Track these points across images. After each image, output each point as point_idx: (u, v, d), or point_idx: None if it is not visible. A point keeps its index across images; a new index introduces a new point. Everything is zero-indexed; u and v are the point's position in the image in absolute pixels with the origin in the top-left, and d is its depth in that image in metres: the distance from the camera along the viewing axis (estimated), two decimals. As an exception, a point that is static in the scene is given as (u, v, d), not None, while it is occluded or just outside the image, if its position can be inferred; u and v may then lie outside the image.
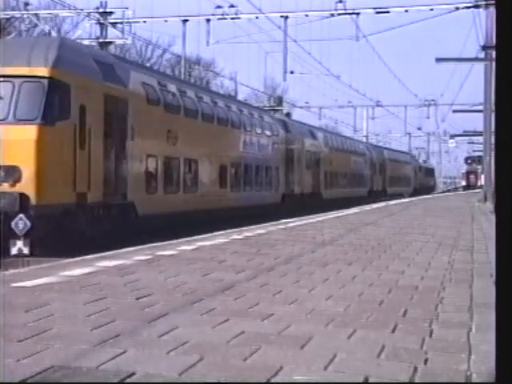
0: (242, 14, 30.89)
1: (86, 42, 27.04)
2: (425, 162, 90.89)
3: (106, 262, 7.52)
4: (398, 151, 74.60)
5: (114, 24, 31.40)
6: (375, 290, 5.95)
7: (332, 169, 39.35)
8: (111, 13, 31.38)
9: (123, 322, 4.41)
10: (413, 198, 50.90)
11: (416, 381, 3.33)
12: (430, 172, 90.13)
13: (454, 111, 50.81)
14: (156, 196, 18.60)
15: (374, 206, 30.76)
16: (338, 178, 40.98)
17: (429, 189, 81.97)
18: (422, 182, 78.73)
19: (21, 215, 12.73)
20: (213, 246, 9.68)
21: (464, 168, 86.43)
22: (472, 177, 79.85)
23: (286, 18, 31.56)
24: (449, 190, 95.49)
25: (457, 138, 70.33)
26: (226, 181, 23.97)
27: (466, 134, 62.09)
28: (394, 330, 4.36)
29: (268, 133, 29.55)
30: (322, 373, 3.40)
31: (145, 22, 32.33)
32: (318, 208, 27.02)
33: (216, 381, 3.24)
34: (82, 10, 31.76)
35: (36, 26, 33.10)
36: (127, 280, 6.19)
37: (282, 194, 30.49)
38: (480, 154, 51.49)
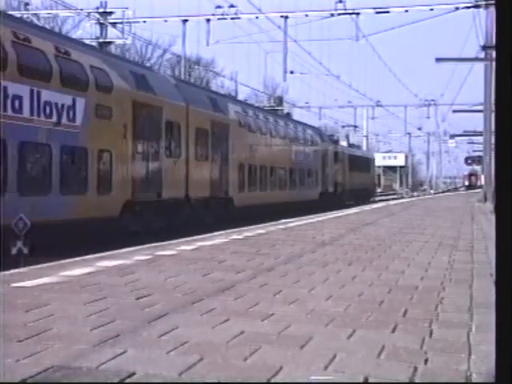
0: (241, 14, 30.93)
1: (86, 42, 27.02)
2: (351, 145, 53.97)
3: (106, 261, 7.52)
4: (286, 117, 40.52)
5: (114, 24, 31.41)
6: (375, 289, 5.95)
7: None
8: (111, 13, 31.40)
9: (123, 322, 4.41)
10: (410, 199, 50.69)
11: (416, 381, 3.33)
12: (362, 164, 52.33)
13: (454, 111, 50.88)
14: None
15: (374, 206, 30.76)
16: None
17: (361, 192, 49.08)
18: (344, 180, 44.59)
19: (21, 215, 12.72)
20: (213, 245, 9.69)
21: (465, 169, 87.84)
22: (473, 178, 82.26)
23: (286, 18, 31.58)
24: (449, 190, 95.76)
25: (457, 138, 70.42)
26: None
27: (466, 134, 62.14)
28: (394, 330, 4.36)
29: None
30: (322, 373, 3.40)
31: (145, 22, 32.37)
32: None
33: (216, 381, 3.24)
34: (81, 10, 31.78)
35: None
36: (127, 280, 6.20)
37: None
38: (480, 154, 51.55)
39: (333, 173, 41.74)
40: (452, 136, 72.25)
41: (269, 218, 18.06)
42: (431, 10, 30.11)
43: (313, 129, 41.74)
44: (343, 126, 66.49)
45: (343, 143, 50.30)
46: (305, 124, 41.78)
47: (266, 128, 30.78)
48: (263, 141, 29.76)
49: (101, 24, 31.24)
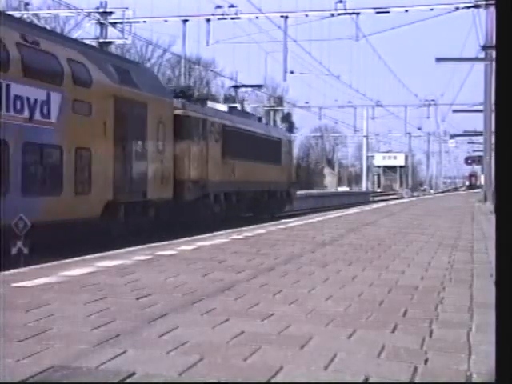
0: (242, 13, 30.93)
1: (86, 42, 26.98)
2: (243, 113, 32.14)
3: (106, 262, 7.52)
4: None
5: (114, 24, 31.42)
6: (375, 289, 5.95)
7: None
8: (111, 13, 31.41)
9: (123, 322, 4.41)
10: (411, 199, 50.64)
11: (416, 381, 3.33)
12: (264, 147, 29.51)
13: (454, 111, 50.99)
14: None
15: (374, 206, 30.77)
16: None
17: (263, 197, 29.16)
18: (206, 176, 22.44)
19: (21, 215, 12.73)
20: (213, 245, 9.68)
21: (465, 169, 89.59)
22: (473, 178, 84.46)
23: (286, 17, 31.58)
24: (449, 190, 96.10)
25: (457, 138, 70.53)
26: None
27: (466, 134, 62.21)
28: (394, 330, 4.36)
29: None
30: (321, 373, 3.40)
31: (145, 21, 32.36)
32: None
33: (216, 381, 3.24)
34: (82, 10, 31.79)
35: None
36: (127, 280, 6.19)
37: None
38: (480, 153, 51.63)
39: (168, 159, 19.99)
40: (452, 136, 72.38)
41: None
42: (431, 10, 30.12)
43: (88, 51, 17.72)
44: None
45: (220, 106, 28.11)
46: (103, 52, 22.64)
47: None
48: None
49: (101, 24, 31.26)
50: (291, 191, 34.01)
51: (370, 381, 3.29)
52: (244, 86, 43.16)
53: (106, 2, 31.37)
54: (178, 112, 20.91)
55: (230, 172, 24.94)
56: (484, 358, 3.65)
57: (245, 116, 30.17)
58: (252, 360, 3.59)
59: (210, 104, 26.38)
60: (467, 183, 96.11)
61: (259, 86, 44.24)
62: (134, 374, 3.31)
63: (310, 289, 5.88)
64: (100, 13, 31.09)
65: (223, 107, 27.95)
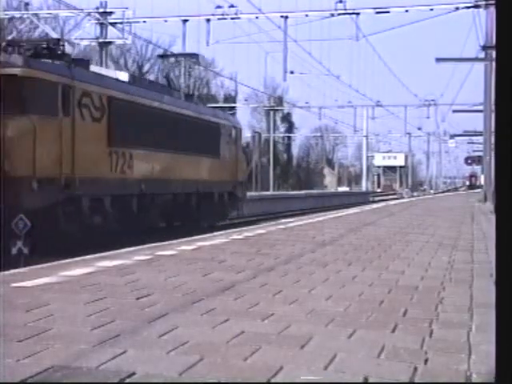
0: (242, 13, 30.91)
1: (85, 42, 26.97)
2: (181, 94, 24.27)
3: (106, 261, 7.51)
4: None
5: (113, 24, 31.42)
6: (375, 289, 5.95)
7: None
8: (111, 13, 31.40)
9: (123, 322, 4.41)
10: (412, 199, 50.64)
11: (416, 381, 3.33)
12: (198, 133, 21.46)
13: (454, 111, 51.04)
14: None
15: (374, 206, 30.79)
16: None
17: (189, 201, 21.24)
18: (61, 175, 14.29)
19: (21, 215, 12.73)
20: (213, 245, 9.68)
21: (465, 169, 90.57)
22: (473, 178, 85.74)
23: (286, 17, 31.57)
24: (449, 190, 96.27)
25: (457, 138, 70.64)
26: None
27: (466, 134, 62.27)
28: (394, 330, 4.36)
29: None
30: (322, 373, 3.39)
31: (145, 21, 32.34)
32: None
33: (216, 381, 3.24)
34: (82, 10, 31.79)
35: (37, 26, 33.16)
36: (127, 280, 6.19)
37: None
38: (480, 153, 51.67)
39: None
40: (452, 136, 72.52)
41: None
42: (431, 10, 30.11)
43: None
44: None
45: (120, 75, 19.54)
46: None
47: None
48: None
49: (101, 24, 31.26)
50: (238, 193, 25.76)
51: (370, 381, 3.29)
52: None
53: (105, 2, 31.38)
54: (12, 71, 13.77)
55: (125, 166, 17.26)
56: (484, 358, 3.65)
57: (159, 90, 21.14)
58: (252, 360, 3.59)
59: (94, 69, 18.48)
60: (467, 183, 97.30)
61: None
62: (133, 373, 3.30)
63: (310, 289, 5.88)
64: (100, 13, 31.08)
65: (123, 75, 19.45)
